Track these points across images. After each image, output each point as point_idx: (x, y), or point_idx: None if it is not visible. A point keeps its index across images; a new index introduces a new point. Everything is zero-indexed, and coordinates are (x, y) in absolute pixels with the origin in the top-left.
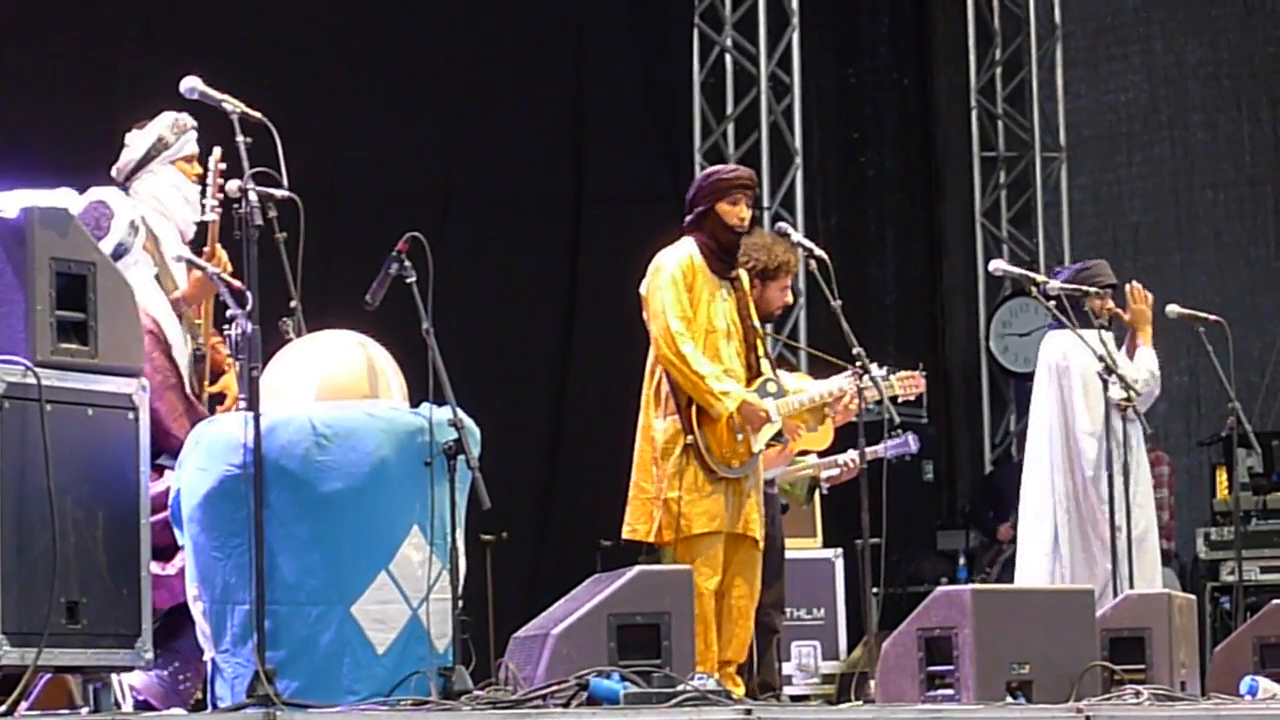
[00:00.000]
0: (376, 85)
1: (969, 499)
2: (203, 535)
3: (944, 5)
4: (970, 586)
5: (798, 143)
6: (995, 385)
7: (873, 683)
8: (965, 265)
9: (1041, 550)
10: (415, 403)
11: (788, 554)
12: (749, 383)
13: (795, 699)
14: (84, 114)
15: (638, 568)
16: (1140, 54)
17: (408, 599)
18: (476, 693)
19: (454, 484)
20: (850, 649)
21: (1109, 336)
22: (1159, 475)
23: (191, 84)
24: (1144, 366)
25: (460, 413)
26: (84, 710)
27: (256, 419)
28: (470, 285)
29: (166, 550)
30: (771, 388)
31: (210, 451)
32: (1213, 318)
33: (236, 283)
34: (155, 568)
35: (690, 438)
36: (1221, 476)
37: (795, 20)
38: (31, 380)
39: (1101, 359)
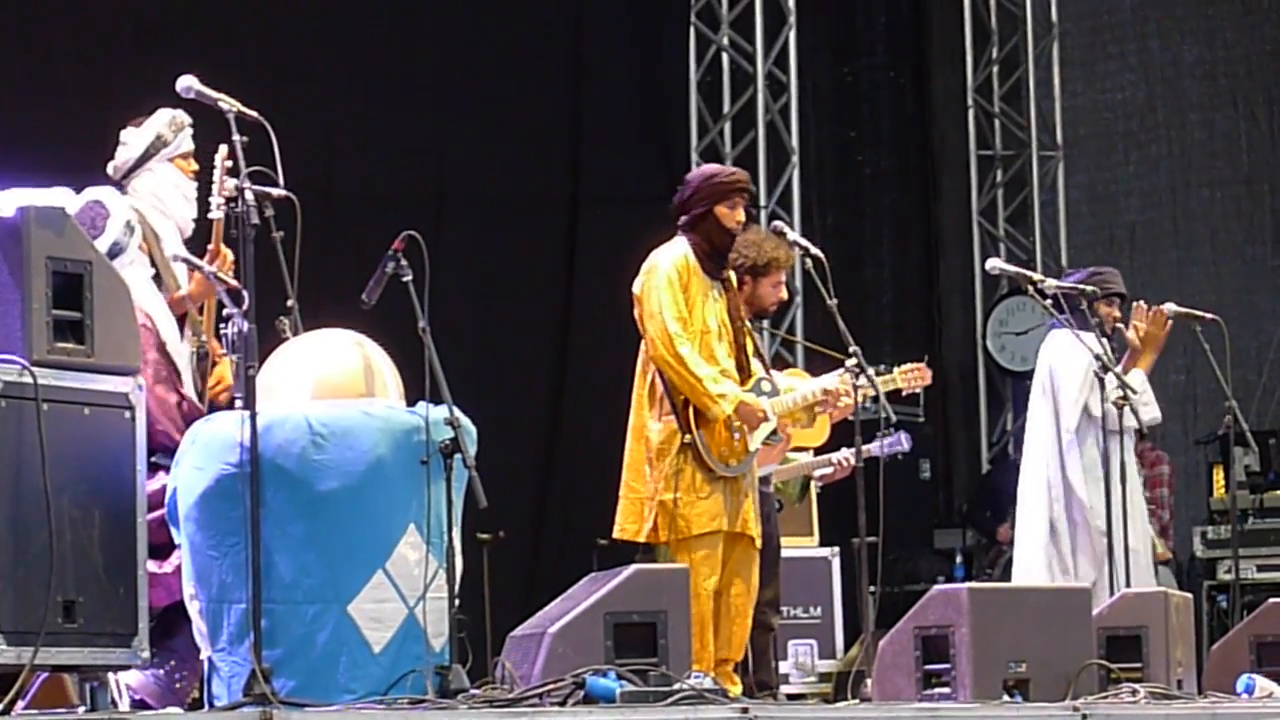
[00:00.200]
0: (372, 84)
1: (966, 498)
2: (199, 534)
3: (940, 4)
4: (967, 585)
5: (794, 142)
6: (992, 384)
7: (869, 681)
8: (962, 264)
9: (1039, 544)
10: (412, 402)
11: (784, 552)
12: (740, 383)
13: (792, 698)
14: (79, 113)
15: (634, 566)
16: (1137, 53)
17: (404, 598)
18: (473, 691)
19: (450, 483)
20: (847, 648)
21: (1106, 344)
22: (1159, 475)
23: (188, 83)
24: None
25: (457, 411)
26: (80, 709)
27: (253, 418)
28: (467, 284)
29: (162, 549)
30: (766, 386)
31: (207, 450)
32: (1209, 316)
33: (233, 281)
34: (151, 566)
35: (688, 437)
36: (1218, 475)
37: (792, 19)
38: (28, 379)
39: (1099, 358)
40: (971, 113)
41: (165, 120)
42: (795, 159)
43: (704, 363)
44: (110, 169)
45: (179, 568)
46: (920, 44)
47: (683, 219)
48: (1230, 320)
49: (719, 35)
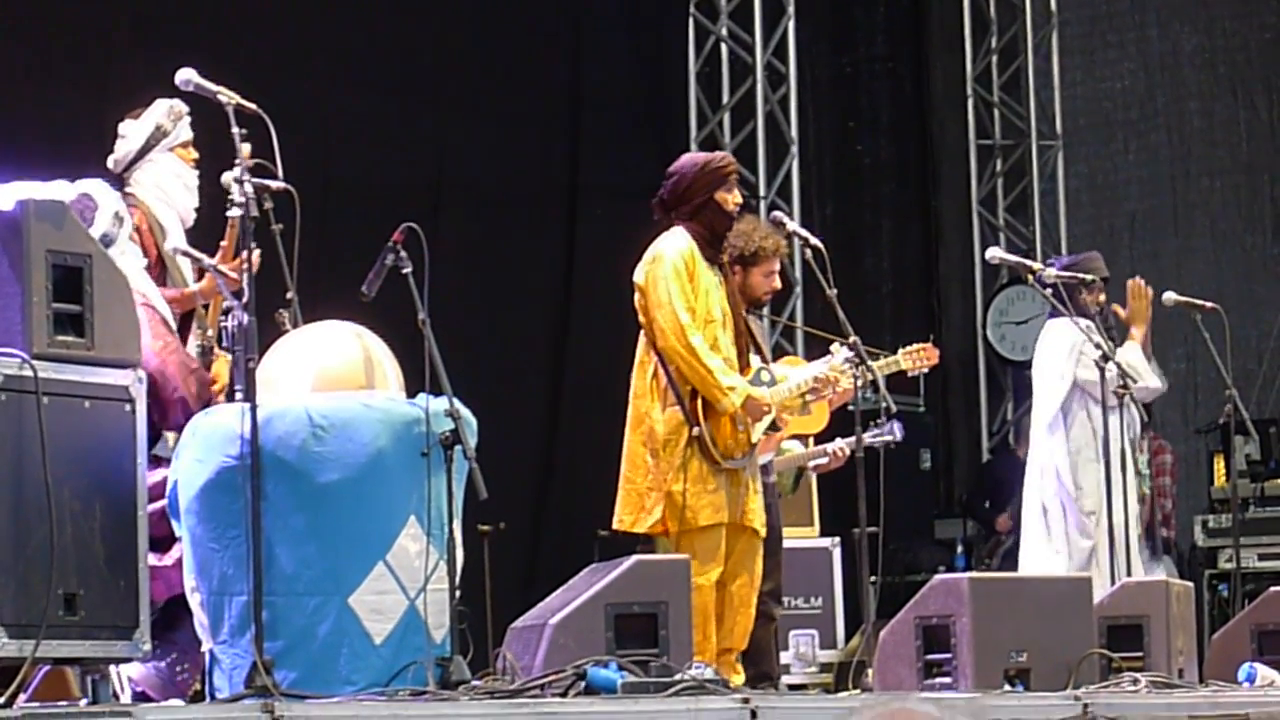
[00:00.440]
0: (371, 76)
1: (966, 488)
2: (200, 527)
3: None
4: (968, 575)
5: (794, 132)
6: (993, 373)
7: (870, 671)
8: (962, 254)
9: (1034, 528)
10: (412, 393)
11: (785, 543)
12: (739, 371)
13: (793, 688)
14: (76, 107)
15: (635, 557)
16: (1136, 41)
17: (405, 589)
18: (474, 683)
19: (451, 474)
20: (848, 638)
21: (1103, 331)
22: (1161, 464)
23: (187, 75)
24: (1124, 359)
25: (457, 403)
26: (82, 702)
27: (253, 410)
28: (467, 277)
29: (163, 542)
30: (765, 376)
31: (207, 443)
32: (1209, 305)
33: (232, 273)
34: (152, 559)
35: (697, 429)
36: (1219, 464)
37: (791, 9)
38: (28, 373)
39: (1098, 346)
40: (971, 102)
41: (163, 110)
42: (794, 149)
43: (712, 354)
44: (110, 163)
45: (179, 561)
46: (919, 34)
47: (681, 209)
48: (1230, 309)
49: (718, 26)
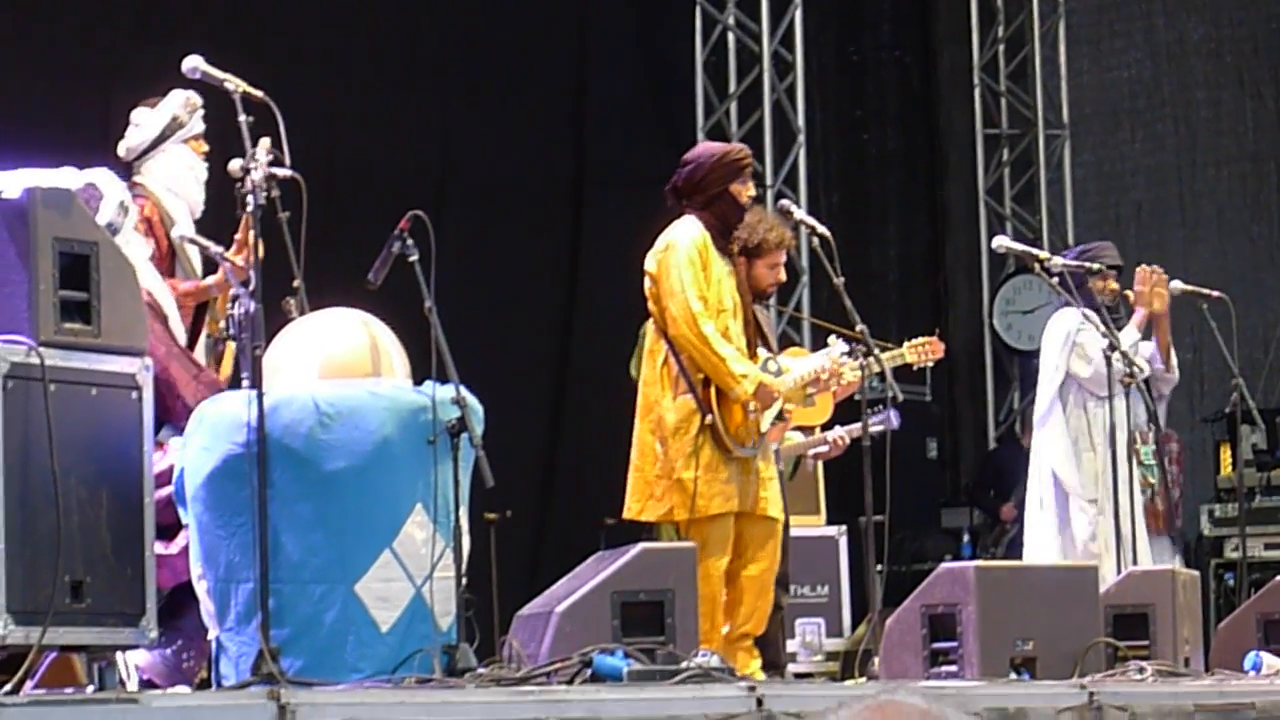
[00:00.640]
0: (376, 67)
1: (971, 477)
2: (207, 514)
3: None
4: (974, 563)
5: (800, 121)
6: (999, 362)
7: (877, 660)
8: (968, 243)
9: (1035, 517)
10: (418, 381)
11: (792, 531)
12: (750, 359)
13: (799, 676)
14: (82, 95)
15: (641, 545)
16: (1143, 30)
17: (411, 577)
18: (480, 670)
19: (457, 462)
20: (854, 626)
21: (1110, 320)
22: (1169, 452)
23: (194, 63)
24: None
25: (463, 391)
26: (89, 689)
27: (260, 398)
28: (473, 265)
29: (169, 529)
30: (773, 366)
31: (214, 431)
32: (1216, 294)
33: (239, 261)
34: (158, 547)
35: (710, 417)
36: (1225, 453)
37: None
38: (35, 360)
39: (1106, 335)
40: (978, 91)
41: (180, 102)
42: (801, 138)
43: (725, 342)
44: (122, 150)
45: (185, 549)
46: (926, 23)
47: (695, 198)
48: (1237, 298)
49: (724, 15)
